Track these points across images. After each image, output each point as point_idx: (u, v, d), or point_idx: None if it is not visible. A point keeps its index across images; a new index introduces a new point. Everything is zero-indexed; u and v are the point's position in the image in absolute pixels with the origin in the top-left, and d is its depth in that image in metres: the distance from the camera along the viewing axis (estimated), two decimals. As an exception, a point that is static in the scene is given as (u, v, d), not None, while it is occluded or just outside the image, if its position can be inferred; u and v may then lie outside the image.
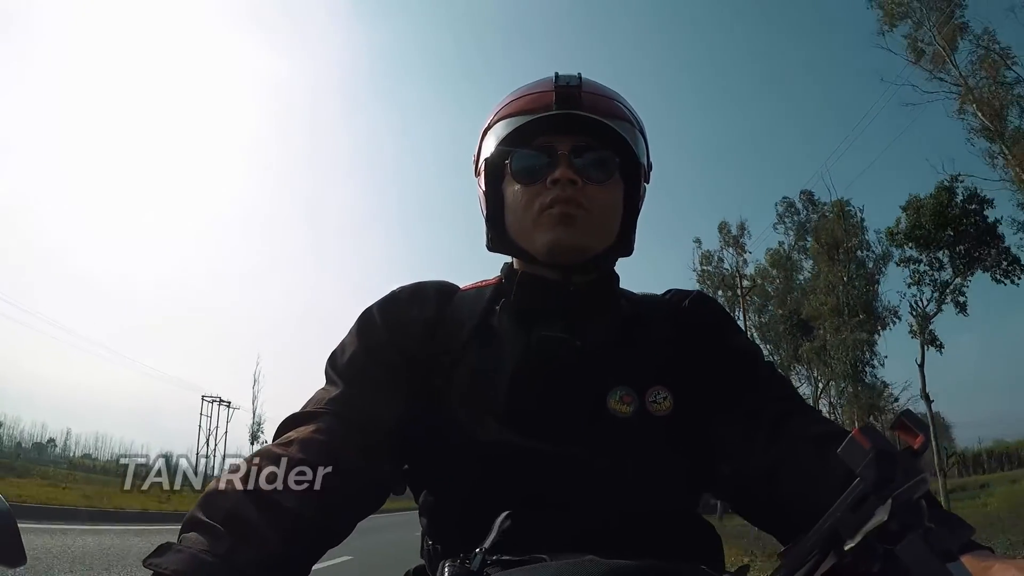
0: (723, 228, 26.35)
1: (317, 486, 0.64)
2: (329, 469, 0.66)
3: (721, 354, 0.82)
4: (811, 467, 0.65)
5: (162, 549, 0.55)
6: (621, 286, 0.89)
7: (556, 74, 0.81)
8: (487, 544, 0.59)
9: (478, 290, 0.87)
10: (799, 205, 24.08)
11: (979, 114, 14.11)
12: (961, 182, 15.32)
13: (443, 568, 0.61)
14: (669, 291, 0.91)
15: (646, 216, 0.88)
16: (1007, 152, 13.82)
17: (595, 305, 0.83)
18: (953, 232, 15.17)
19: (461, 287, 0.89)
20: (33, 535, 7.12)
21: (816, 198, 23.40)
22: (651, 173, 0.89)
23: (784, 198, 24.48)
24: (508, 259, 0.89)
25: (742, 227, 26.00)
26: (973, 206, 15.32)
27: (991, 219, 15.30)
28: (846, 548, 0.45)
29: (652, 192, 0.91)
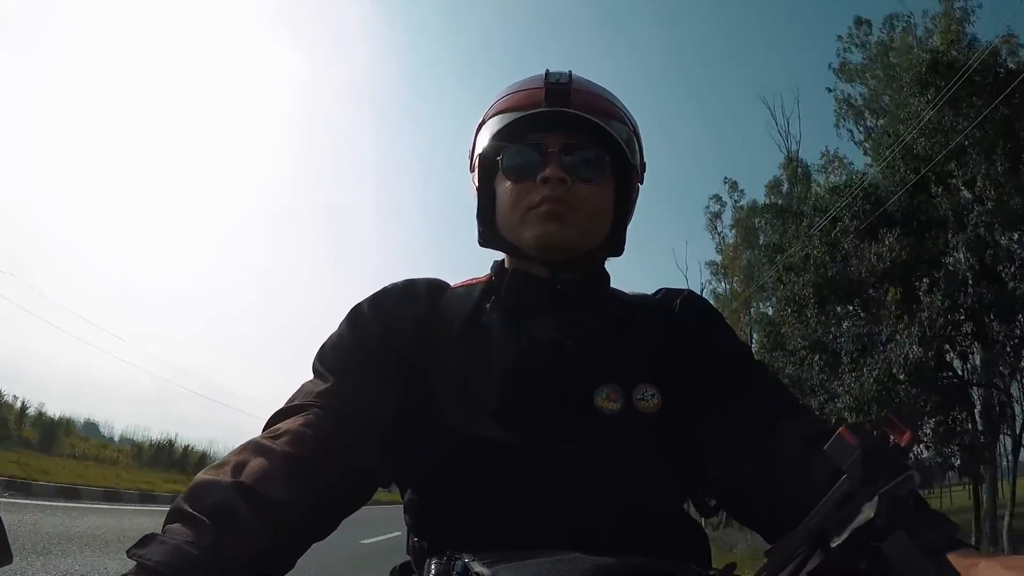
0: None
1: (305, 480, 0.64)
2: (317, 463, 0.66)
3: (711, 353, 0.82)
4: (800, 466, 0.65)
5: (146, 540, 0.54)
6: (614, 286, 0.89)
7: (547, 71, 0.81)
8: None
9: (468, 288, 0.87)
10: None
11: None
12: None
13: (429, 565, 0.60)
14: (660, 290, 0.92)
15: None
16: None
17: (584, 303, 0.83)
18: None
19: (452, 284, 0.89)
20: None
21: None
22: (644, 173, 0.89)
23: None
24: (499, 257, 0.89)
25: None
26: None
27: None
28: (833, 545, 0.45)
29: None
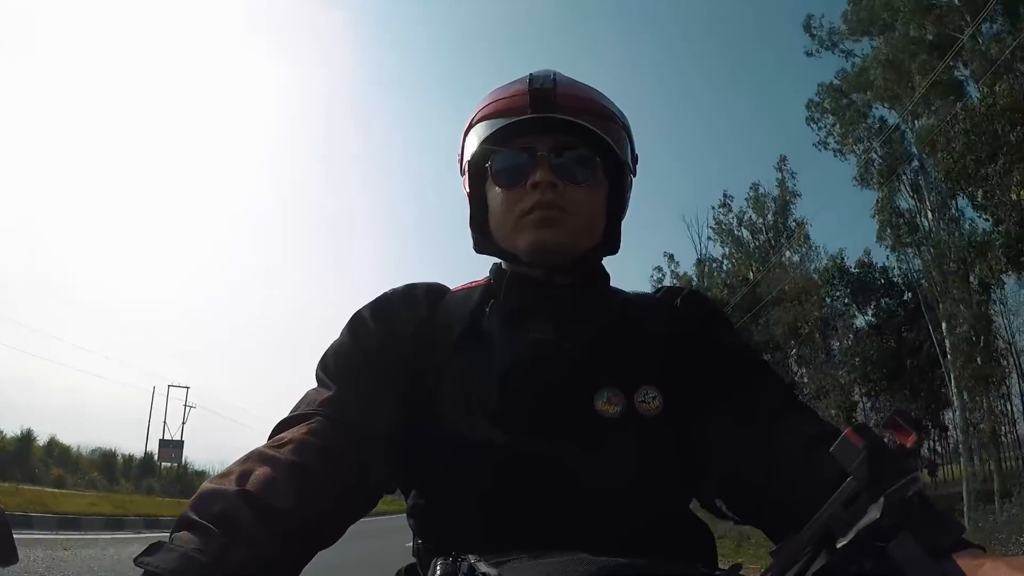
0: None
1: (310, 488, 0.64)
2: (322, 471, 0.66)
3: (713, 352, 0.81)
4: (804, 466, 0.64)
5: (153, 548, 0.54)
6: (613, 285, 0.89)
7: (531, 75, 0.80)
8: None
9: (467, 291, 0.87)
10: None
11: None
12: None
13: (435, 566, 0.60)
14: (661, 288, 0.91)
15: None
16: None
17: (584, 305, 0.83)
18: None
19: (451, 288, 0.89)
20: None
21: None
22: (637, 165, 0.88)
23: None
24: (498, 260, 0.88)
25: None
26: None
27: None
28: (838, 546, 0.45)
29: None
